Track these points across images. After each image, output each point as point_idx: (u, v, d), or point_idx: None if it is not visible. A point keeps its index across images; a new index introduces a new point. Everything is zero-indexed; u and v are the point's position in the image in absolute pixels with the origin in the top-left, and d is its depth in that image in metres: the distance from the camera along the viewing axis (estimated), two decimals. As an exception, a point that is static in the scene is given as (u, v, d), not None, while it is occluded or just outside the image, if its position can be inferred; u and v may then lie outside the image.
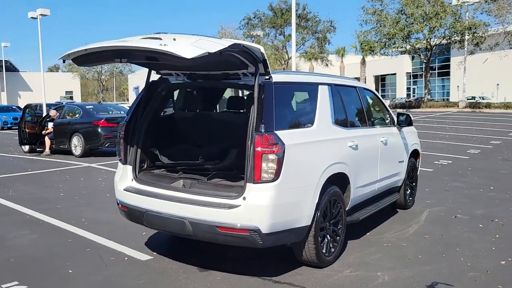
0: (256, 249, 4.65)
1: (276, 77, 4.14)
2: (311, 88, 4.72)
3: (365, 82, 46.48)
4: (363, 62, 51.93)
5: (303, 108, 4.70)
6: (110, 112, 13.92)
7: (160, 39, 3.69)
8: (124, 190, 4.55)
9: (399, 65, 61.16)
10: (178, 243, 5.35)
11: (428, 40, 37.26)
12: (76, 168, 10.87)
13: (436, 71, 56.85)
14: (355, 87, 5.74)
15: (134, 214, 4.43)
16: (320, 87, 4.77)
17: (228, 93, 6.53)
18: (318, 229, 4.34)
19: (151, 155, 4.82)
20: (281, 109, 4.11)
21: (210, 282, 4.18)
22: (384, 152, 5.81)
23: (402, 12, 37.19)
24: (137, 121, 4.69)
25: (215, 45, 3.45)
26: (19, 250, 5.08)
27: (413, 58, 58.63)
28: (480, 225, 6.07)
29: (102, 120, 12.63)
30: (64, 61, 4.02)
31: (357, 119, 5.57)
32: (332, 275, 4.36)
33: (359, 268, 4.54)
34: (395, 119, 6.52)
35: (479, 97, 45.08)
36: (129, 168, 4.67)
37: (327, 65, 51.47)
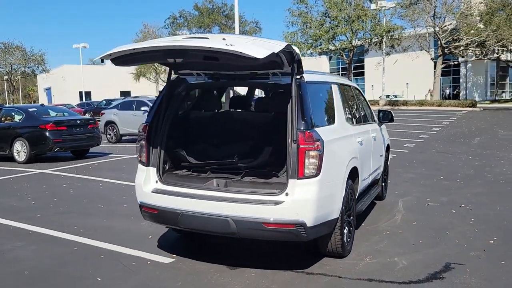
0: (268, 245, 4.88)
1: (306, 77, 4.32)
2: (328, 87, 4.96)
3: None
4: (287, 62, 53.17)
5: (326, 107, 4.91)
6: (55, 115, 13.01)
7: (207, 38, 3.71)
8: (152, 192, 4.44)
9: (319, 66, 63.61)
10: (192, 244, 5.33)
11: (351, 42, 39.41)
12: (30, 175, 10.13)
13: (352, 71, 60.04)
14: (350, 86, 6.08)
15: (166, 216, 4.35)
16: (333, 86, 5.03)
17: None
18: (343, 221, 4.59)
19: (175, 156, 4.75)
20: (314, 107, 4.29)
21: (247, 278, 4.25)
22: (374, 147, 6.23)
23: (327, 15, 38.93)
24: (159, 122, 4.60)
25: (272, 45, 3.55)
26: (26, 262, 4.75)
27: (330, 59, 61.37)
28: (453, 211, 6.69)
29: (50, 123, 11.69)
30: (102, 61, 3.84)
31: (357, 116, 5.91)
32: (356, 264, 4.63)
33: (376, 256, 4.86)
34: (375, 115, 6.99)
35: (392, 96, 48.51)
36: (152, 169, 4.56)
37: (254, 65, 52.05)
